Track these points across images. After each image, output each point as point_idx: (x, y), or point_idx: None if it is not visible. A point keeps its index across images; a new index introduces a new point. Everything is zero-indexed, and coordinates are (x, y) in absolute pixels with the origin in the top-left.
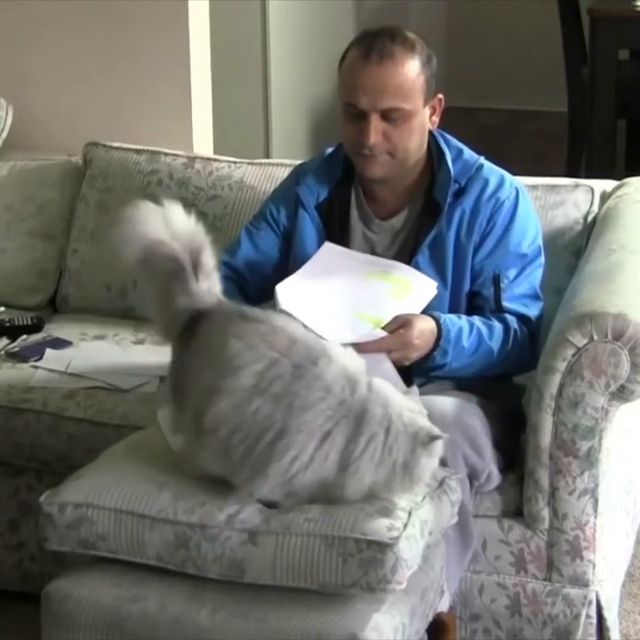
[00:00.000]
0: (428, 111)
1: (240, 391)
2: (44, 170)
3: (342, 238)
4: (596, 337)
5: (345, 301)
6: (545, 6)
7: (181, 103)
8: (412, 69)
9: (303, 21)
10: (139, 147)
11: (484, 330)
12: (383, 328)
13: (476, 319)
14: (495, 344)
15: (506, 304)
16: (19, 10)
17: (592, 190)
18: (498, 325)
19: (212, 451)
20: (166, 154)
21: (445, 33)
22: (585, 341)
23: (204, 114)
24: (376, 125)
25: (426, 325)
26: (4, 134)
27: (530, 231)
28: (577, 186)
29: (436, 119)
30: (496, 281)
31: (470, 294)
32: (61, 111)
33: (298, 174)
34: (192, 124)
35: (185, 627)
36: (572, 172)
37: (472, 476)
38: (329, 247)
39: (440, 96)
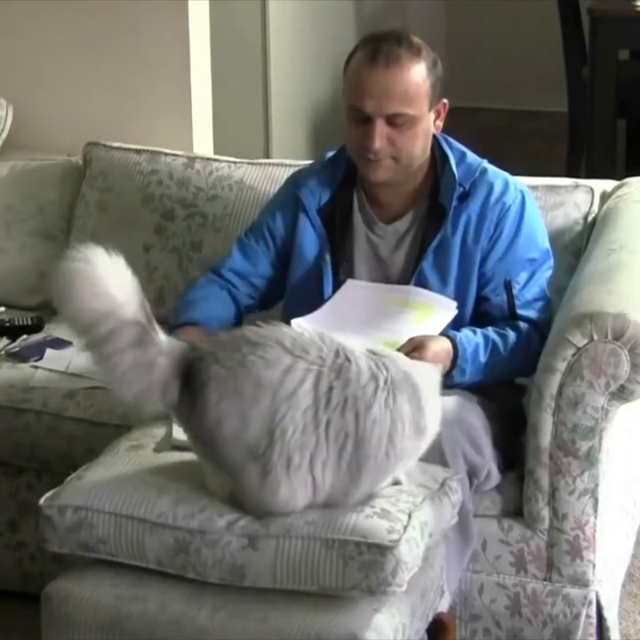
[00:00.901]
0: (432, 115)
1: (302, 415)
2: (44, 170)
3: (345, 242)
4: (595, 337)
5: (362, 330)
6: (545, 6)
7: (181, 103)
8: (418, 74)
9: (303, 21)
10: (139, 147)
11: (499, 342)
12: (397, 350)
13: (491, 331)
14: (511, 354)
15: (520, 312)
16: (19, 10)
17: (592, 190)
18: (512, 334)
19: (300, 488)
20: (166, 154)
21: (445, 33)
22: (585, 341)
23: (204, 114)
24: (381, 130)
25: (440, 346)
26: (4, 134)
27: (538, 235)
28: (577, 186)
29: (439, 123)
30: (508, 287)
31: (478, 300)
32: (61, 111)
33: (295, 181)
34: (192, 124)
35: (185, 627)
36: (572, 172)
37: (471, 473)
38: (351, 284)
39: (445, 101)
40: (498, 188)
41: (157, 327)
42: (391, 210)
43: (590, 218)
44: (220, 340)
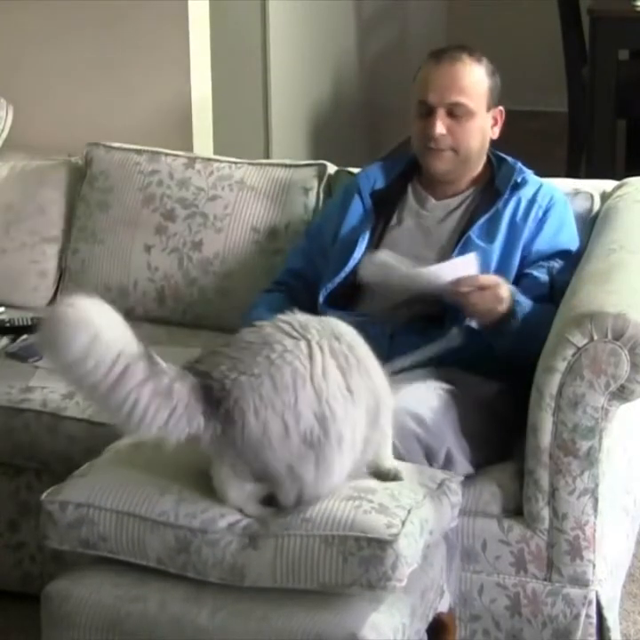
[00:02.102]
0: (490, 120)
1: (338, 389)
2: (44, 170)
3: (391, 219)
4: (595, 337)
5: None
6: (545, 6)
7: (181, 103)
8: (477, 73)
9: (303, 21)
10: (139, 147)
11: (546, 311)
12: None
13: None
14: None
15: (556, 296)
16: (19, 10)
17: (592, 197)
18: (549, 313)
19: (347, 461)
20: (167, 154)
21: (445, 33)
22: (585, 341)
23: (204, 114)
24: (442, 118)
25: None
26: (4, 134)
27: (576, 233)
28: (577, 193)
29: (496, 130)
30: (550, 273)
31: (518, 276)
32: (61, 111)
33: (356, 174)
34: (192, 124)
35: (185, 627)
36: (572, 172)
37: (429, 455)
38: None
39: (501, 108)
40: (546, 186)
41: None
42: (444, 195)
43: (590, 218)
44: (229, 355)
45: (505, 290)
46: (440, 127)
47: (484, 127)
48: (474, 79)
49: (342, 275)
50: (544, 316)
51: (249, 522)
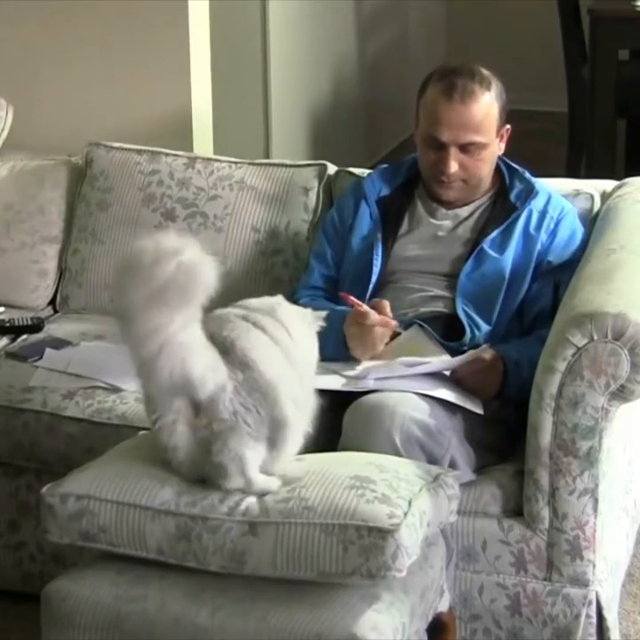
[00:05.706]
0: (497, 139)
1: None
2: (44, 170)
3: (399, 227)
4: (595, 337)
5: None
6: (545, 6)
7: (181, 103)
8: (488, 106)
9: (303, 21)
10: (139, 147)
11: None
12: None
13: (533, 345)
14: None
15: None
16: (19, 10)
17: (592, 197)
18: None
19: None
20: (167, 154)
21: (445, 33)
22: (585, 341)
23: (204, 113)
24: (455, 156)
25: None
26: (4, 134)
27: (583, 244)
28: (577, 194)
29: (503, 145)
30: (556, 288)
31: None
32: (61, 111)
33: (361, 178)
34: (192, 124)
35: (184, 626)
36: (571, 172)
37: (431, 462)
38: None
39: (508, 126)
40: (556, 196)
41: None
42: (453, 205)
43: (590, 223)
44: (213, 322)
45: (488, 354)
46: (454, 166)
47: (494, 152)
48: (485, 114)
49: (367, 295)
50: (536, 349)
51: (248, 505)
